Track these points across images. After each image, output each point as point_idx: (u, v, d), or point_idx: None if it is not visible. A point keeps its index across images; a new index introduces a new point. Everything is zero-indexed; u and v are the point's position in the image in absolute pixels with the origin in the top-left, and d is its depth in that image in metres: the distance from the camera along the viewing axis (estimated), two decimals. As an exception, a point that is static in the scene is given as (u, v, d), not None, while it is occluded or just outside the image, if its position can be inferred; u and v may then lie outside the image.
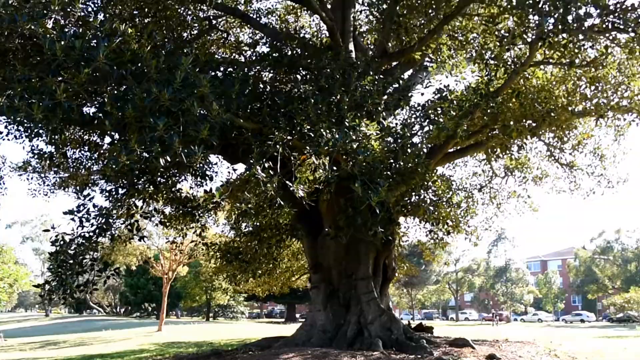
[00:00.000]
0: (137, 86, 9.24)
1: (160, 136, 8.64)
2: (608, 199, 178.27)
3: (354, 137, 11.08)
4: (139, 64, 9.86)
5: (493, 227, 25.32)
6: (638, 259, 77.05)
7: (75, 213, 12.62)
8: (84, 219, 12.68)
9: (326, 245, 17.50)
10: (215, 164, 18.91)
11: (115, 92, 9.97)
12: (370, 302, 16.28)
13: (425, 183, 15.19)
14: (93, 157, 18.89)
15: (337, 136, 10.80)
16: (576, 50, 13.76)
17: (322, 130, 11.09)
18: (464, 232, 20.77)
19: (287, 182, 11.31)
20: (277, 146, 11.36)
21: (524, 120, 16.70)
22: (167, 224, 17.56)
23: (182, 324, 51.26)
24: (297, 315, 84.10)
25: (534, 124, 16.77)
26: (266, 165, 11.29)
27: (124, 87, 9.99)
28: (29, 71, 9.36)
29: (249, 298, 74.50)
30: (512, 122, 16.19)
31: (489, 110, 14.80)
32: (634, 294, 37.34)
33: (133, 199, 14.15)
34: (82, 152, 18.95)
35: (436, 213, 16.08)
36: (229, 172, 17.31)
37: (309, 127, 11.64)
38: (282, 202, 11.36)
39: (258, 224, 19.81)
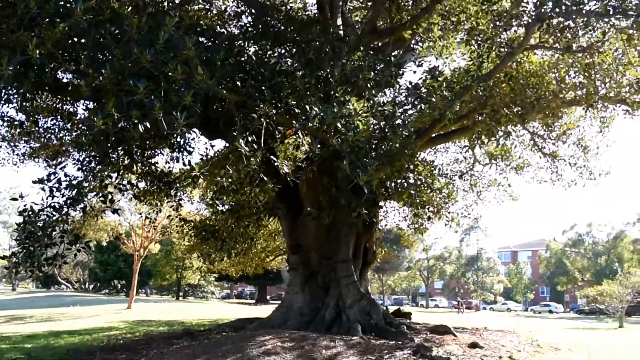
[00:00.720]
0: (117, 47, 8.60)
1: (140, 100, 8.01)
2: (580, 192, 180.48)
3: (343, 113, 10.56)
4: (119, 24, 9.21)
5: (472, 214, 25.09)
6: (608, 253, 77.99)
7: (45, 182, 11.96)
8: (54, 189, 12.03)
9: (306, 226, 17.04)
10: (193, 139, 18.24)
11: (93, 52, 9.30)
12: (349, 285, 15.87)
13: (411, 166, 14.79)
14: (66, 127, 18.14)
15: (326, 111, 10.25)
16: (573, 35, 13.40)
17: (309, 105, 10.55)
18: (445, 218, 20.55)
19: (272, 157, 10.79)
20: (262, 119, 10.79)
21: (513, 106, 16.34)
22: (142, 198, 16.90)
23: (152, 302, 50.53)
24: (268, 297, 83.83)
25: (522, 110, 16.40)
26: (249, 139, 10.74)
27: (102, 47, 9.33)
28: (-1, 24, 8.67)
29: (220, 278, 73.97)
30: (501, 108, 15.84)
31: (480, 93, 14.38)
32: (607, 286, 37.48)
33: (107, 171, 13.52)
34: (55, 120, 18.15)
35: (417, 198, 15.73)
36: (206, 148, 16.67)
37: (295, 101, 11.09)
38: (264, 178, 10.82)
39: (235, 202, 19.20)
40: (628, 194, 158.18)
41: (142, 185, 16.96)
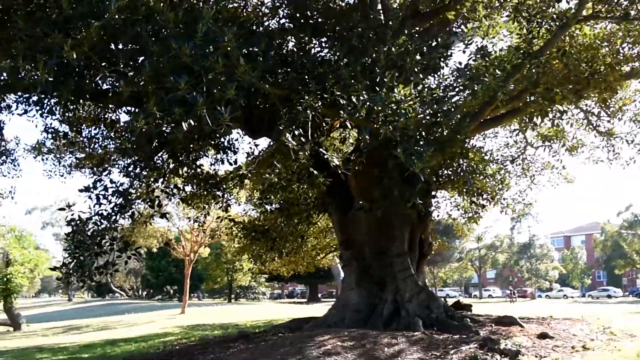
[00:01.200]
0: (154, 44, 8.25)
1: (182, 97, 7.63)
2: (634, 172, 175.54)
3: (392, 100, 10.03)
4: (155, 21, 8.86)
5: (526, 200, 24.19)
6: (667, 233, 75.31)
7: (92, 190, 11.77)
8: (101, 197, 11.84)
9: (357, 221, 16.51)
10: (237, 139, 17.88)
11: (130, 52, 8.99)
12: (407, 279, 15.31)
13: (463, 152, 14.17)
14: (109, 135, 18.03)
15: (374, 99, 9.71)
16: (631, 2, 12.56)
17: (356, 93, 10.06)
18: (500, 204, 19.88)
19: (321, 149, 10.34)
20: (307, 112, 10.34)
21: (567, 83, 15.50)
22: (189, 202, 16.64)
23: (204, 306, 50.76)
24: (319, 295, 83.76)
25: (577, 87, 15.53)
26: (296, 132, 10.31)
27: (139, 46, 9.02)
28: (32, 28, 8.38)
29: (270, 279, 74.20)
30: (555, 85, 15.07)
31: (533, 70, 13.62)
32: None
33: (152, 176, 13.30)
34: (98, 129, 18.06)
35: (472, 186, 15.10)
36: (250, 147, 16.29)
37: (341, 91, 10.60)
38: (315, 172, 10.36)
39: (282, 200, 18.73)
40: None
41: (188, 189, 16.72)
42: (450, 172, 14.85)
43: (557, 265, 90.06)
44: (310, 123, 10.41)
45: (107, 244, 11.84)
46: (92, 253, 11.51)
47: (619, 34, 14.88)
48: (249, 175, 14.74)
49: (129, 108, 15.69)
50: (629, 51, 15.58)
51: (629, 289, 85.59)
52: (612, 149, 22.05)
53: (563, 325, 14.18)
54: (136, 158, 12.93)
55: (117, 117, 17.91)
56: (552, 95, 15.19)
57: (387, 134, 10.12)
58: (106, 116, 17.77)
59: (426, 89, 11.15)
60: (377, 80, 10.67)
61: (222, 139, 15.26)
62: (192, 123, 7.98)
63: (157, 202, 12.41)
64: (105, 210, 11.81)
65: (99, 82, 13.07)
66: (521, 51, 13.50)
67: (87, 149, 18.70)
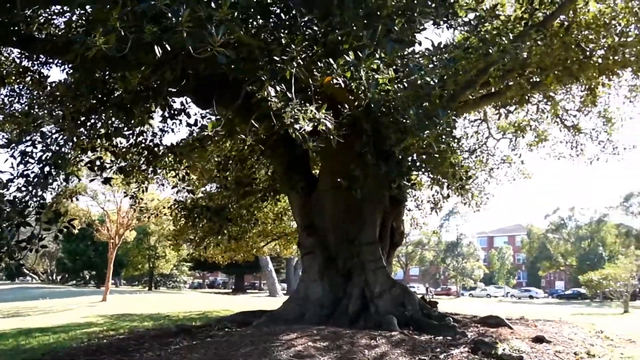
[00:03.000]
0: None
1: (159, 10, 5.53)
2: (558, 177, 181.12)
3: (403, 52, 8.24)
4: None
5: (484, 193, 23.02)
6: (592, 237, 77.14)
7: (15, 146, 9.50)
8: (27, 155, 9.55)
9: (322, 203, 14.63)
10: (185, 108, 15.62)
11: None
12: (377, 271, 13.55)
13: (451, 129, 12.53)
14: (37, 95, 15.45)
15: (384, 48, 7.86)
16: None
17: (360, 42, 8.21)
18: (466, 196, 18.60)
19: (311, 108, 8.41)
20: (293, 63, 8.38)
21: (559, 65, 14.10)
22: (128, 173, 14.29)
23: (127, 294, 47.78)
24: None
25: (572, 69, 14.12)
26: (277, 88, 8.36)
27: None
28: None
29: (194, 267, 71.66)
30: (549, 66, 13.70)
31: (539, 42, 12.11)
32: (611, 270, 35.96)
33: (92, 134, 11.02)
34: (23, 85, 15.46)
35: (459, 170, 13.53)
36: (196, 120, 13.99)
37: (337, 40, 8.73)
38: (304, 136, 8.41)
39: (237, 177, 16.52)
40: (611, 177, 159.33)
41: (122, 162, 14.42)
42: (439, 151, 13.11)
43: (481, 265, 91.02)
44: (293, 78, 8.49)
45: (33, 212, 9.53)
46: (12, 223, 9.17)
47: (630, 13, 13.42)
48: (215, 138, 12.60)
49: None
50: (635, 34, 14.15)
51: (547, 290, 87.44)
52: (576, 145, 21.22)
53: (551, 328, 12.80)
54: (73, 109, 10.56)
55: (48, 70, 15.47)
56: (543, 78, 13.88)
57: (392, 94, 8.35)
58: (33, 67, 15.27)
59: (437, 46, 9.38)
60: (380, 27, 8.81)
61: (173, 100, 13.15)
62: (168, 48, 5.88)
63: (98, 164, 10.14)
64: (32, 172, 9.55)
65: (28, 20, 10.86)
66: (523, 21, 12.01)
67: (7, 110, 16.08)
